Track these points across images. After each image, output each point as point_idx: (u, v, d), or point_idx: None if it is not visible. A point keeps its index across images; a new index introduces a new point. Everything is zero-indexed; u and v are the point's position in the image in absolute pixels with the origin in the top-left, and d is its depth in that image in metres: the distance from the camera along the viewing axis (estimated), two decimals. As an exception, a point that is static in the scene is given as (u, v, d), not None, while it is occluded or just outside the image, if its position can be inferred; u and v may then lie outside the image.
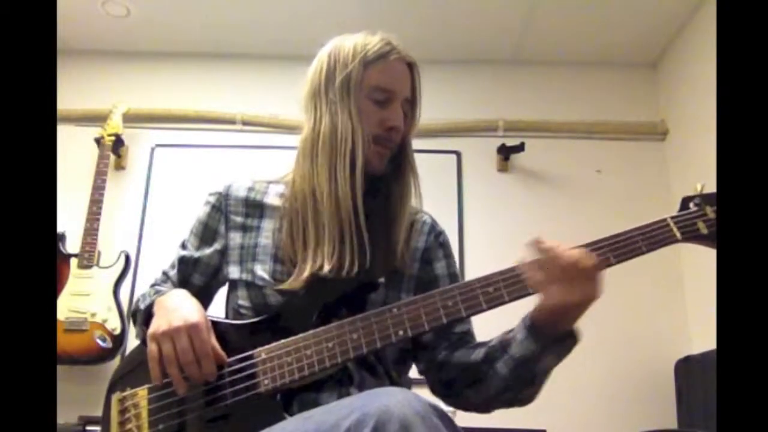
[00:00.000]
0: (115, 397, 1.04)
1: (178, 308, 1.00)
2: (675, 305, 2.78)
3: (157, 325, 0.99)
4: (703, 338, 2.55)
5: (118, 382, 1.07)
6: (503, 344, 1.00)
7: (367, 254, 1.04)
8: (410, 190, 1.14)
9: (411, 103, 1.14)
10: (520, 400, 1.02)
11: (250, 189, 1.18)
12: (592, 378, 2.63)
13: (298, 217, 1.08)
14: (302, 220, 1.07)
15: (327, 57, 1.13)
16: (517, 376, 0.98)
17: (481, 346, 1.06)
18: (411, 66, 1.14)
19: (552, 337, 0.94)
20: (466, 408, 1.10)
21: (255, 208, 1.15)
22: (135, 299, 1.19)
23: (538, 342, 0.95)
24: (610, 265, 0.94)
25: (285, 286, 1.04)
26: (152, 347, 0.97)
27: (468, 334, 1.14)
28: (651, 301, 2.77)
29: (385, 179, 1.13)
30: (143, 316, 1.09)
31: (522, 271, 0.94)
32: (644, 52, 3.08)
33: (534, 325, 0.95)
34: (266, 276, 1.07)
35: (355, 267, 1.03)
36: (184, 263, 1.17)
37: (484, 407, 1.08)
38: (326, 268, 1.02)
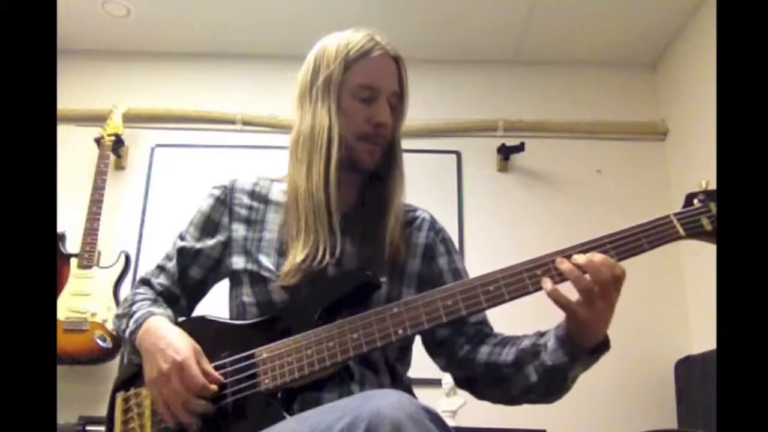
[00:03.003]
0: (120, 396, 1.05)
1: (163, 348, 0.99)
2: (676, 305, 2.78)
3: (149, 372, 1.00)
4: (703, 338, 2.55)
5: (123, 383, 1.08)
6: (535, 349, 1.00)
7: (338, 245, 1.06)
8: (398, 185, 1.14)
9: (399, 97, 1.15)
10: (546, 401, 1.04)
11: (255, 184, 1.19)
12: (592, 378, 2.61)
13: (287, 214, 1.10)
14: (288, 216, 1.10)
15: (313, 59, 1.15)
16: (546, 382, 0.99)
17: (509, 345, 1.06)
18: (396, 60, 1.14)
19: (583, 348, 0.95)
20: (491, 401, 1.11)
21: (260, 202, 1.16)
22: (121, 301, 1.18)
23: (568, 353, 0.95)
24: None
25: (279, 281, 1.05)
26: (154, 394, 1.00)
27: (483, 324, 1.14)
28: (651, 301, 2.77)
29: (377, 175, 1.15)
30: (131, 347, 1.08)
31: (533, 276, 0.93)
32: (644, 52, 3.08)
33: (565, 336, 0.95)
34: (272, 267, 1.08)
35: (327, 257, 1.04)
36: (183, 254, 1.16)
37: (508, 402, 1.09)
38: (299, 258, 1.03)
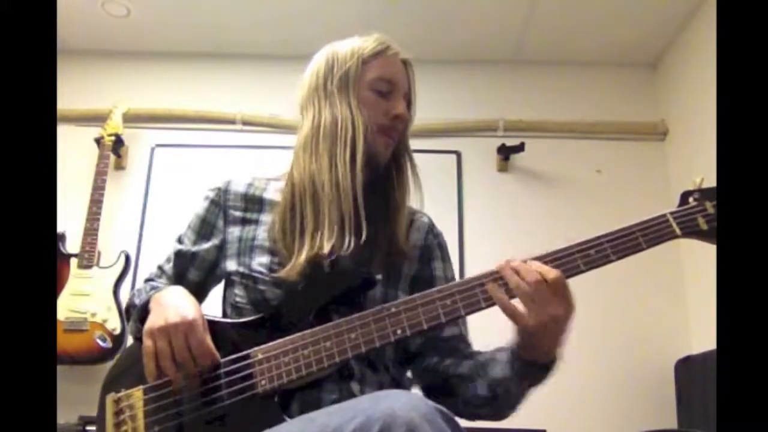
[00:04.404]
0: (110, 397, 1.02)
1: (175, 305, 1.00)
2: (675, 305, 2.78)
3: (153, 321, 0.99)
4: (703, 338, 2.55)
5: (112, 383, 1.06)
6: (487, 363, 1.02)
7: (363, 236, 1.05)
8: (409, 182, 1.16)
9: (408, 99, 1.17)
10: (494, 415, 1.04)
11: (250, 185, 1.18)
12: (592, 378, 2.62)
13: (295, 208, 1.08)
14: (300, 211, 1.08)
15: (324, 59, 1.16)
16: (493, 397, 1.00)
17: (468, 358, 1.07)
18: (405, 63, 1.17)
19: (530, 363, 0.94)
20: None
21: (254, 203, 1.16)
22: (130, 294, 1.19)
23: (514, 367, 0.95)
24: (609, 261, 0.94)
25: (282, 274, 1.03)
26: (148, 343, 0.97)
27: (457, 339, 1.14)
28: (651, 301, 2.77)
29: (385, 174, 1.15)
30: (139, 312, 1.08)
31: (491, 293, 0.93)
32: (644, 52, 3.07)
33: (515, 349, 0.95)
34: (262, 268, 1.07)
35: (352, 247, 1.03)
36: (180, 257, 1.17)
37: (459, 415, 1.07)
38: (326, 248, 1.02)
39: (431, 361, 1.11)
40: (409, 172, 1.17)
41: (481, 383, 1.01)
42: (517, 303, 0.91)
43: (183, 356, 0.95)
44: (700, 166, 2.59)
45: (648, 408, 2.60)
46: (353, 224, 1.05)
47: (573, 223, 2.83)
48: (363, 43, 1.14)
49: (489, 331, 1.12)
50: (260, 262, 1.08)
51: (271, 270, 1.07)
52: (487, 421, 1.05)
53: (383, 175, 1.15)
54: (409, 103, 1.17)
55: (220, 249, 1.15)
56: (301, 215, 1.07)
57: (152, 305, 1.03)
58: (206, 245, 1.16)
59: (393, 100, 1.12)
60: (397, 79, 1.13)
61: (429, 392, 1.12)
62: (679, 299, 2.79)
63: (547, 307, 0.89)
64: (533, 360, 0.94)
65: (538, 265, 0.92)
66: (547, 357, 0.94)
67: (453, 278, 1.18)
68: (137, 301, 1.12)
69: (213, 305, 1.17)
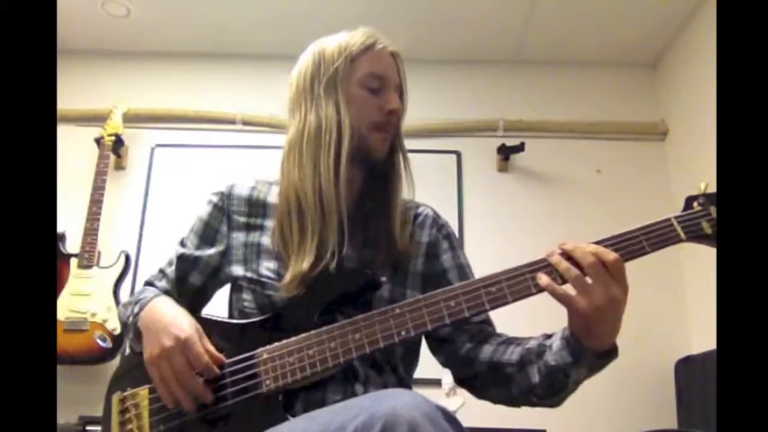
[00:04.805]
0: (116, 397, 1.03)
1: (166, 325, 0.99)
2: (675, 305, 2.78)
3: (149, 350, 0.99)
4: (703, 338, 2.55)
5: (117, 383, 1.07)
6: (540, 350, 0.99)
7: (344, 248, 1.04)
8: (402, 176, 1.14)
9: (400, 92, 1.15)
10: (546, 404, 1.02)
11: (253, 188, 1.17)
12: (592, 378, 2.62)
13: (287, 220, 1.07)
14: (288, 223, 1.07)
15: (311, 59, 1.13)
16: (547, 383, 0.97)
17: (514, 345, 1.05)
18: (394, 56, 1.14)
19: (587, 350, 0.92)
20: (491, 400, 1.10)
21: (258, 207, 1.15)
22: (120, 306, 1.19)
23: (572, 354, 0.93)
24: None
25: (283, 290, 1.03)
26: (153, 373, 0.98)
27: (486, 323, 1.13)
28: (651, 301, 2.77)
29: (383, 170, 1.14)
30: (132, 331, 1.08)
31: (535, 278, 0.92)
32: (644, 52, 3.08)
33: (571, 336, 0.93)
34: (271, 274, 1.07)
35: (334, 262, 1.03)
36: (182, 261, 1.16)
37: (508, 402, 1.07)
38: (305, 265, 1.01)
39: (464, 347, 1.09)
40: (402, 166, 1.15)
41: (534, 371, 0.98)
42: (569, 288, 0.90)
43: (185, 379, 0.95)
44: (700, 166, 2.59)
45: (648, 408, 2.60)
46: (336, 236, 1.04)
47: (573, 223, 2.83)
48: (350, 40, 1.12)
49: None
50: (268, 267, 1.08)
51: (279, 274, 1.06)
52: (537, 406, 1.03)
53: (381, 172, 1.14)
54: (401, 95, 1.15)
55: (224, 255, 1.14)
56: (290, 228, 1.06)
57: (142, 329, 1.03)
58: (210, 251, 1.15)
59: (386, 94, 1.10)
60: (388, 74, 1.11)
61: (466, 382, 1.11)
62: (679, 299, 2.79)
63: (604, 290, 0.87)
64: (590, 347, 0.92)
65: (594, 248, 0.90)
66: (605, 344, 0.92)
67: (466, 265, 1.16)
68: (125, 319, 1.12)
69: (217, 307, 1.17)
